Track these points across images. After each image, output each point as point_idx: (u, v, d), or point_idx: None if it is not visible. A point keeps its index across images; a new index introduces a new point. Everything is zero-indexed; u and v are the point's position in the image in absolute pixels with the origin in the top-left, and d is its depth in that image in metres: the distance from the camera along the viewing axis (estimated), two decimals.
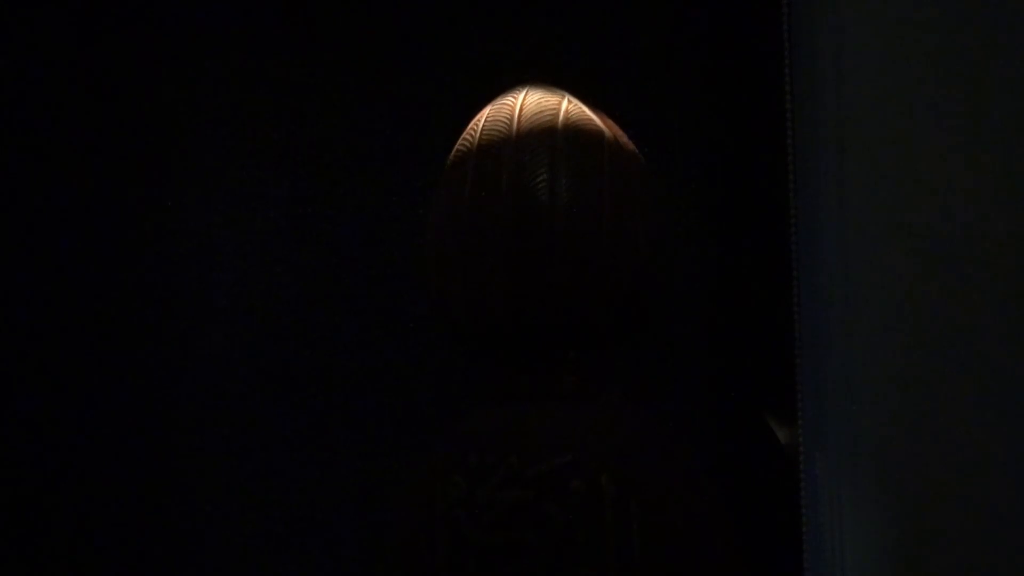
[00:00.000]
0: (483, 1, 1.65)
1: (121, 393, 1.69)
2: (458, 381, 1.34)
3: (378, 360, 1.65)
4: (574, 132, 1.14)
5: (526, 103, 1.16)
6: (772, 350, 1.57)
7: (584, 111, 1.17)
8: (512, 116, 1.16)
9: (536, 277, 1.11)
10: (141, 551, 1.68)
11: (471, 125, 1.18)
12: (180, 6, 1.70)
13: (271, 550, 1.66)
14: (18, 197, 1.72)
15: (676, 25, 1.65)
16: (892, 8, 1.30)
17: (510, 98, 1.17)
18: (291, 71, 1.68)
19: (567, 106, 1.16)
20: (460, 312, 1.18)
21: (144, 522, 1.68)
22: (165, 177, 1.72)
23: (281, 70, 1.69)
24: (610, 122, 1.18)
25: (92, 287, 1.71)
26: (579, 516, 1.06)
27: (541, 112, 1.15)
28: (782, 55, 1.48)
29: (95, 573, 1.68)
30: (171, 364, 1.70)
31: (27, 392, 1.70)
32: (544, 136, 1.13)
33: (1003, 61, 1.10)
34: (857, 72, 1.36)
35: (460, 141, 1.18)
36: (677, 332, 1.55)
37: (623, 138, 1.19)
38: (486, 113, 1.17)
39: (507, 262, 1.12)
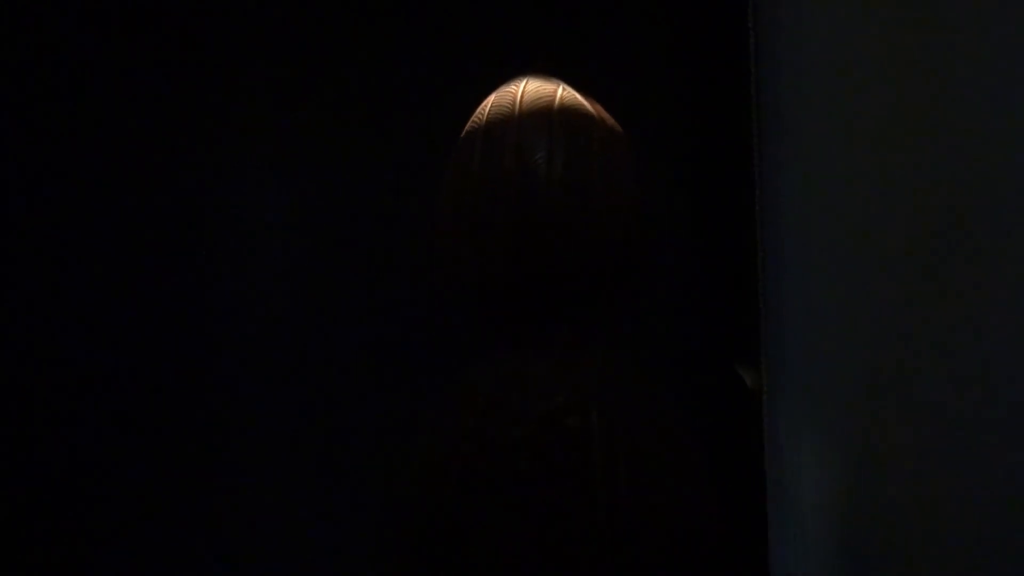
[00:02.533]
0: (490, 5, 1.64)
1: (159, 348, 1.68)
2: (467, 333, 1.30)
3: (397, 314, 1.65)
4: (568, 115, 1.17)
5: (526, 90, 1.19)
6: (739, 304, 1.58)
7: (576, 97, 1.19)
8: (514, 101, 1.18)
9: (535, 241, 1.15)
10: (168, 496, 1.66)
11: (479, 109, 1.21)
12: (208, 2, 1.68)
13: (298, 481, 1.66)
14: (69, 180, 1.69)
15: (655, 27, 1.66)
16: (850, 6, 1.25)
17: (512, 86, 1.20)
18: (321, 65, 1.67)
19: (562, 93, 1.19)
20: (468, 272, 1.20)
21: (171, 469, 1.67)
22: (202, 159, 1.70)
23: (312, 64, 1.68)
24: (598, 106, 1.21)
25: (128, 268, 1.68)
26: (572, 449, 1.10)
27: (539, 98, 1.18)
28: (747, 51, 1.48)
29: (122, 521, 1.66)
30: (206, 326, 1.69)
31: (65, 364, 1.68)
32: (542, 118, 1.16)
33: (958, 56, 1.00)
34: (815, 63, 1.35)
35: (469, 123, 1.21)
36: (657, 288, 1.53)
37: (610, 120, 1.21)
38: (492, 99, 1.21)
39: (509, 228, 1.15)
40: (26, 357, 1.67)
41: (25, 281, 1.67)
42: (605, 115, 1.21)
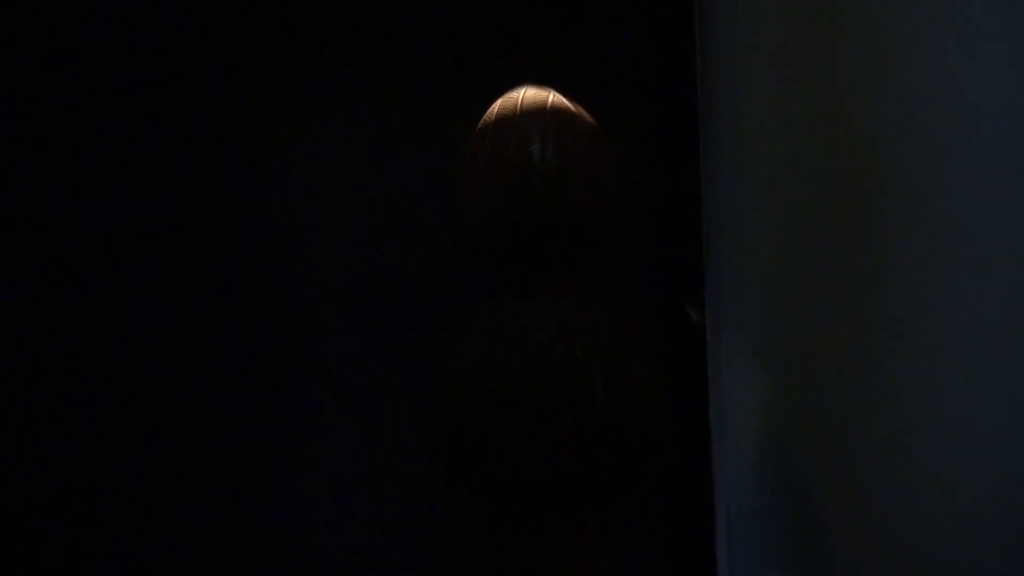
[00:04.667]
0: (501, 36, 1.84)
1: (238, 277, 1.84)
2: (478, 282, 1.39)
3: (428, 272, 1.82)
4: (558, 114, 1.28)
5: (526, 96, 1.30)
6: (688, 259, 1.75)
7: (564, 101, 1.31)
8: (516, 104, 1.29)
9: (531, 211, 1.25)
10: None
11: (488, 111, 1.32)
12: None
13: (357, 401, 1.84)
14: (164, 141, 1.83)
15: (626, 49, 1.85)
16: (773, 22, 1.36)
17: (514, 93, 1.31)
18: (369, 84, 1.85)
19: (552, 98, 1.30)
20: (481, 237, 1.31)
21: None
22: (274, 135, 1.87)
23: (365, 83, 1.85)
24: (580, 108, 1.31)
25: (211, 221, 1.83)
26: (560, 371, 1.20)
27: (535, 102, 1.29)
28: (694, 68, 1.65)
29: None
30: (278, 271, 1.85)
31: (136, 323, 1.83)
32: (537, 117, 1.27)
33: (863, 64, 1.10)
34: (746, 81, 1.46)
35: (481, 121, 1.32)
36: (624, 246, 1.62)
37: (589, 118, 1.32)
38: (498, 103, 1.32)
39: (512, 202, 1.25)
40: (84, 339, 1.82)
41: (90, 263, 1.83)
42: (586, 115, 1.32)
